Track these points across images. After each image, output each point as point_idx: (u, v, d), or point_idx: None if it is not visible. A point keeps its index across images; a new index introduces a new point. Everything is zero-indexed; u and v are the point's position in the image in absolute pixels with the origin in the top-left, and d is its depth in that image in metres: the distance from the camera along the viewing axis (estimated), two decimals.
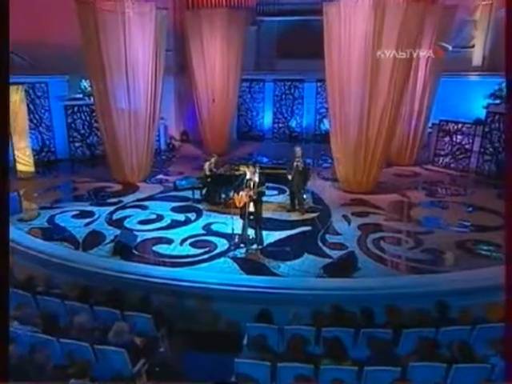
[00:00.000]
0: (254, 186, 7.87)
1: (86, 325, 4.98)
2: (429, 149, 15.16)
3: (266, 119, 19.20)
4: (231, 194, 10.51)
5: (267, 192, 8.71)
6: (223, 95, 15.88)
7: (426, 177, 13.72)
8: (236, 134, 19.06)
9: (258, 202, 8.02)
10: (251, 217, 8.11)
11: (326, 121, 18.40)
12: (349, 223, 9.48)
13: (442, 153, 14.62)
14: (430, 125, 14.93)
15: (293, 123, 19.02)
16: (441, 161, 14.67)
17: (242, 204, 7.96)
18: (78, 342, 4.68)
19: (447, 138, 14.45)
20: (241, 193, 7.93)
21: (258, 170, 8.08)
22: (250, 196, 7.83)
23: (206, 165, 10.92)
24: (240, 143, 18.28)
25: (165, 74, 12.67)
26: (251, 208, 7.98)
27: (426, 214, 10.17)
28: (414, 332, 4.99)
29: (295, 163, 9.83)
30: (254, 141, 18.91)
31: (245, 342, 5.23)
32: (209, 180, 10.64)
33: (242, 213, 8.14)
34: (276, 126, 19.22)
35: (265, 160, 14.76)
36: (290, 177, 9.84)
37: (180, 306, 6.35)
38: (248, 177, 7.97)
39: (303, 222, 9.46)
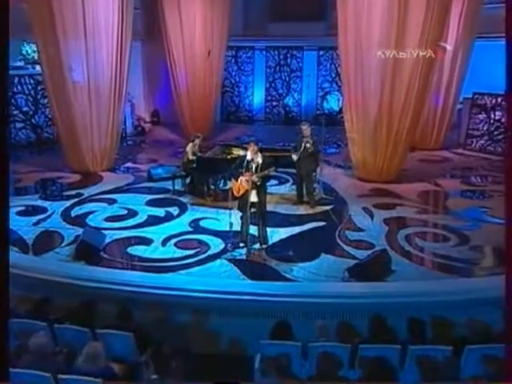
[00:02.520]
0: (257, 169, 7.45)
1: (46, 348, 4.69)
2: (459, 129, 15.02)
3: (257, 96, 19.16)
4: (221, 184, 10.37)
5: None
6: (205, 66, 15.58)
7: (458, 162, 13.68)
8: (220, 114, 18.90)
9: (261, 190, 7.61)
10: (253, 209, 7.72)
11: (330, 97, 18.32)
12: (371, 217, 9.37)
13: (477, 133, 14.52)
14: (460, 99, 14.81)
15: (289, 101, 18.93)
16: (474, 143, 14.60)
17: (241, 192, 7.53)
18: (35, 372, 4.37)
19: (482, 115, 14.35)
20: (240, 178, 7.50)
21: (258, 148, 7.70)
22: (252, 182, 7.40)
23: (189, 147, 10.56)
24: (225, 126, 18.22)
25: (131, 39, 12.32)
26: (253, 197, 7.57)
27: (465, 205, 10.12)
28: (477, 349, 4.73)
29: (303, 144, 9.54)
30: (242, 123, 18.93)
31: (257, 364, 4.96)
32: (194, 166, 10.23)
33: (242, 204, 7.71)
34: (269, 104, 19.19)
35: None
36: (294, 157, 9.64)
37: (168, 321, 5.98)
38: (249, 157, 7.53)
39: (315, 217, 9.33)
